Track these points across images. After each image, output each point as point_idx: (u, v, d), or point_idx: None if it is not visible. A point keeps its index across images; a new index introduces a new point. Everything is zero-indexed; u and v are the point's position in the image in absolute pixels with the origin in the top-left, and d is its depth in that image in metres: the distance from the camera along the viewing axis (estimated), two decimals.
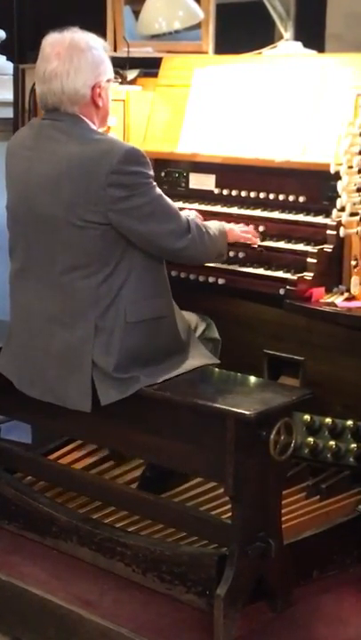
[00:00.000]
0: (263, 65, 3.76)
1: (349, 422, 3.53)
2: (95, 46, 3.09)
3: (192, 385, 3.08)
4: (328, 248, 3.29)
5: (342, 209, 3.24)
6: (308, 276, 3.25)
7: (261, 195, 3.64)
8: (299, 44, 4.21)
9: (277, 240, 3.50)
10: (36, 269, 3.12)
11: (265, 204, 3.62)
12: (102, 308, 3.02)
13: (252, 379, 3.19)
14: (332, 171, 3.26)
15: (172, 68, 3.98)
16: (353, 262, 3.26)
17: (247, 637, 2.94)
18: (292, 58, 3.87)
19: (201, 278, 3.55)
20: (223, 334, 3.50)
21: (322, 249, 3.28)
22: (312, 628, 3.01)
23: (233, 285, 3.48)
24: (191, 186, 3.87)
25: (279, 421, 2.93)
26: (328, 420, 3.55)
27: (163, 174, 3.91)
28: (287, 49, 4.15)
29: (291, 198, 3.55)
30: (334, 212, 3.29)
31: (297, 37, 4.34)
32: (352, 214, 3.23)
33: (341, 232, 3.25)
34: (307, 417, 3.57)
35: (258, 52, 4.03)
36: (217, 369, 3.24)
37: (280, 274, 3.37)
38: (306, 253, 3.31)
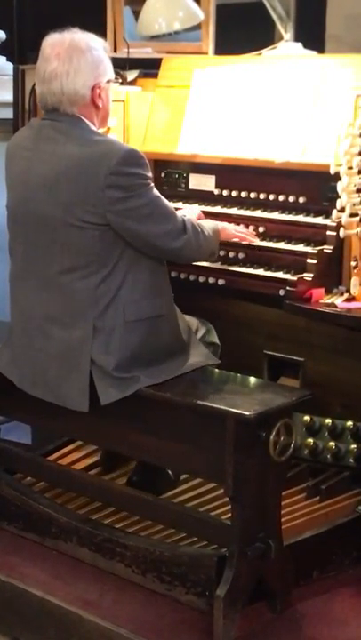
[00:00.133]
0: (263, 66, 3.76)
1: (349, 423, 3.53)
2: (95, 47, 3.09)
3: (192, 385, 3.08)
4: (328, 249, 3.29)
5: (342, 210, 3.24)
6: (308, 276, 3.25)
7: (261, 195, 3.64)
8: (299, 45, 4.21)
9: (277, 241, 3.50)
10: (35, 269, 3.12)
11: (265, 205, 3.62)
12: (101, 308, 3.02)
13: (252, 379, 3.19)
14: (332, 171, 3.26)
15: (171, 69, 3.98)
16: (353, 263, 3.26)
17: (247, 638, 2.94)
18: (292, 59, 3.86)
19: (201, 279, 3.55)
20: (223, 335, 3.49)
21: (322, 250, 3.28)
22: (312, 628, 3.01)
23: (233, 286, 3.48)
24: (191, 187, 3.87)
25: (279, 422, 2.93)
26: (328, 420, 3.55)
27: (163, 175, 3.91)
28: (287, 50, 4.15)
29: (291, 199, 3.55)
30: (334, 212, 3.29)
31: (297, 38, 4.34)
32: (352, 215, 3.23)
33: (341, 233, 3.25)
34: (307, 418, 3.57)
35: (258, 52, 4.03)
36: (217, 369, 3.24)
37: (280, 274, 3.37)
38: (306, 254, 3.31)
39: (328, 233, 3.30)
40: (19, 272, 3.20)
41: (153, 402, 3.04)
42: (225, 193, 3.74)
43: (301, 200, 3.53)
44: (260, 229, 3.56)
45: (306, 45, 4.23)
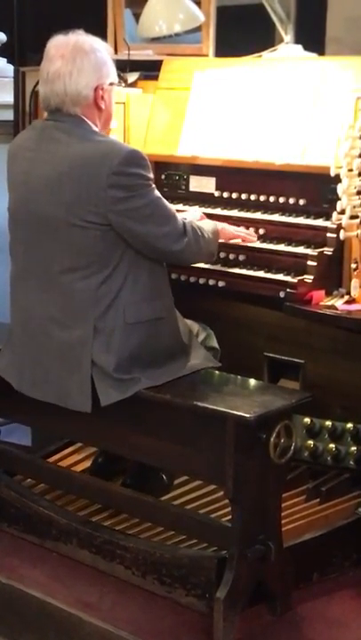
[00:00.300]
0: (263, 68, 3.76)
1: (349, 425, 3.52)
2: (99, 49, 3.11)
3: (192, 387, 3.08)
4: (328, 251, 3.29)
5: (342, 212, 3.25)
6: (309, 278, 3.25)
7: (262, 197, 3.64)
8: (299, 47, 4.21)
9: (277, 243, 3.50)
10: (35, 270, 3.12)
11: (265, 207, 3.62)
12: (102, 309, 3.03)
13: (252, 381, 3.19)
14: (333, 173, 3.26)
15: (172, 71, 3.98)
16: (353, 265, 3.27)
17: None
18: (292, 61, 3.86)
19: (201, 281, 3.55)
20: (223, 337, 3.49)
21: (322, 252, 3.29)
22: (312, 630, 3.01)
23: (233, 288, 3.48)
24: (191, 188, 3.87)
25: (279, 424, 2.93)
26: (328, 422, 3.54)
27: (163, 177, 3.91)
28: (287, 52, 4.15)
29: (291, 201, 3.55)
30: (334, 214, 3.29)
31: (297, 40, 4.34)
32: (352, 217, 3.24)
33: (341, 235, 3.25)
34: (307, 420, 3.57)
35: (258, 54, 4.03)
36: (217, 371, 3.24)
37: (280, 276, 3.37)
38: (306, 256, 3.31)
39: (328, 235, 3.30)
40: (19, 272, 3.20)
41: (153, 403, 3.03)
42: (225, 195, 3.74)
43: (302, 202, 3.53)
44: (261, 231, 3.56)
45: (306, 47, 4.23)
